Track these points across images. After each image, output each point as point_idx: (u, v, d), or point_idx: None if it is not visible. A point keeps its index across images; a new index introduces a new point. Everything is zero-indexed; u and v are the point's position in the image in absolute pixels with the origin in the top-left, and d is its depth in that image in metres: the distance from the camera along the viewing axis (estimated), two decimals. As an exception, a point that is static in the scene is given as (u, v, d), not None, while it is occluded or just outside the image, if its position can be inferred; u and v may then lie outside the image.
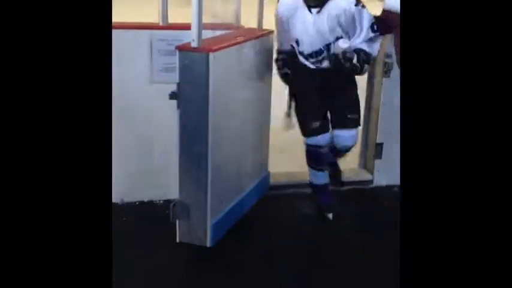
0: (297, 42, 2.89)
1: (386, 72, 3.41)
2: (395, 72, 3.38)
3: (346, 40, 2.80)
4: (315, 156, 3.06)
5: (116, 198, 3.04)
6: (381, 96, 3.48)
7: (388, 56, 3.36)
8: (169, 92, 2.56)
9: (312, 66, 2.93)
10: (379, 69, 3.46)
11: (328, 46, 2.84)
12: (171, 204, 2.68)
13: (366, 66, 2.89)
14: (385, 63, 3.38)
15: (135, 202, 3.15)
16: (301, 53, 2.91)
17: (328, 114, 3.02)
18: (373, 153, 3.60)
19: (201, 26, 2.48)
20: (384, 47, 3.34)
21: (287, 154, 3.78)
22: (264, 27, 3.17)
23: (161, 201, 3.16)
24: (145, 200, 3.17)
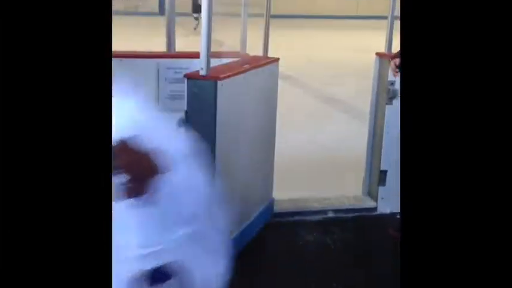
0: None
1: (390, 99, 3.44)
2: (398, 100, 3.41)
3: None
4: None
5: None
6: (384, 123, 3.50)
7: (391, 83, 3.39)
8: (176, 119, 2.57)
9: None
10: (382, 96, 3.49)
11: None
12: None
13: None
14: (388, 91, 3.42)
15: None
16: None
17: None
18: (377, 180, 3.60)
19: (210, 55, 2.51)
20: (388, 75, 3.39)
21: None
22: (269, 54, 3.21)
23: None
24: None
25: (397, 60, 2.98)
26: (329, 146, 5.10)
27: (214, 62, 2.77)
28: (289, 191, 3.69)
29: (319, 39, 14.70)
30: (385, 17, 3.42)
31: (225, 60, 3.02)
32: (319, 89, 8.03)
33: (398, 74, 3.04)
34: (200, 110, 2.55)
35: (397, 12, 3.39)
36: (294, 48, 12.34)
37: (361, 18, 19.75)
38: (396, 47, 3.32)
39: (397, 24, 3.35)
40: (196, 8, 18.07)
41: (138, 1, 17.61)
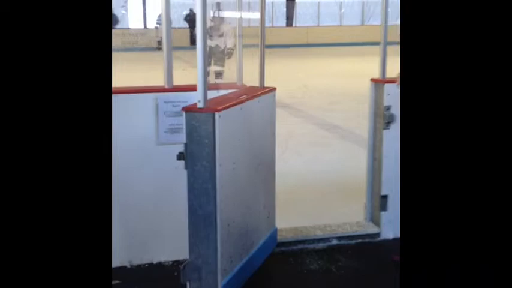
0: None
1: (387, 124, 3.46)
2: (395, 124, 3.44)
3: None
4: None
5: (124, 261, 3.02)
6: (382, 148, 3.51)
7: (387, 109, 3.42)
8: (175, 153, 2.59)
9: None
10: (379, 121, 3.51)
11: None
12: (181, 266, 2.66)
13: None
14: (384, 116, 3.44)
15: (145, 264, 3.12)
16: None
17: None
18: (379, 206, 3.60)
19: (206, 88, 2.54)
20: (384, 100, 3.42)
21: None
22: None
23: (170, 263, 3.13)
24: (155, 262, 3.15)
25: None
26: (330, 173, 5.11)
27: (212, 94, 2.80)
28: (292, 219, 3.68)
29: (317, 67, 14.83)
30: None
31: (222, 92, 3.05)
32: (318, 116, 8.07)
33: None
34: (199, 142, 2.57)
35: (391, 38, 3.45)
36: (292, 76, 12.46)
37: (355, 45, 19.98)
38: (391, 72, 3.36)
39: (391, 49, 3.41)
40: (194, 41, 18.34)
41: (137, 37, 17.85)
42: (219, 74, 7.88)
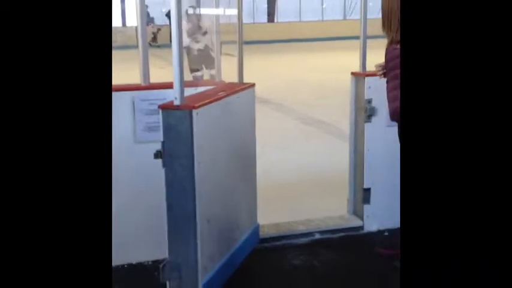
0: None
1: (368, 117, 3.46)
2: (377, 117, 3.43)
3: None
4: None
5: (104, 262, 2.98)
6: (364, 141, 3.51)
7: (368, 102, 3.42)
8: (153, 151, 2.55)
9: None
10: (360, 115, 3.51)
11: None
12: (161, 265, 2.63)
13: None
14: (365, 109, 3.43)
15: (124, 265, 3.08)
16: None
17: None
18: (362, 199, 3.59)
19: (183, 84, 2.51)
20: (365, 93, 3.41)
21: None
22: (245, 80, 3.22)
23: (150, 262, 3.09)
24: (134, 262, 3.11)
25: (381, 64, 2.99)
26: (312, 167, 5.10)
27: (190, 91, 2.77)
28: (274, 215, 3.67)
29: (298, 62, 14.83)
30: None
31: (200, 89, 3.01)
32: (301, 111, 8.06)
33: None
34: (177, 140, 2.53)
35: (371, 32, 3.44)
36: (274, 72, 12.44)
37: (337, 39, 20.03)
38: (369, 64, 3.35)
39: (371, 43, 3.41)
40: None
41: (116, 36, 17.72)
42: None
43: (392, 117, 2.74)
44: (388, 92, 2.79)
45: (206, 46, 7.16)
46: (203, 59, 7.11)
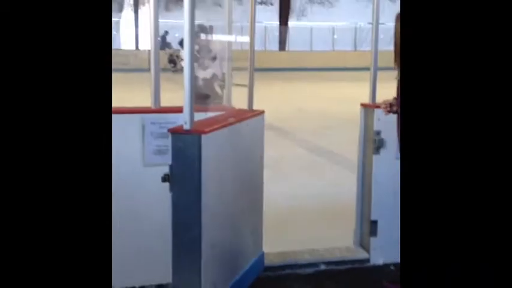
0: None
1: (376, 149, 3.44)
2: (385, 149, 3.42)
3: None
4: None
5: (106, 284, 2.95)
6: (372, 173, 3.49)
7: (377, 133, 3.41)
8: (161, 174, 2.55)
9: None
10: (369, 146, 3.50)
11: None
12: (164, 290, 2.60)
13: None
14: (374, 141, 3.42)
15: (126, 288, 3.06)
16: None
17: None
18: (368, 231, 3.56)
19: (193, 109, 2.52)
20: (374, 125, 3.40)
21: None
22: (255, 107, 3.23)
23: (153, 287, 3.06)
24: (137, 285, 3.08)
25: (388, 100, 2.99)
26: (319, 197, 5.07)
27: (200, 116, 2.78)
28: (280, 243, 3.63)
29: (309, 91, 14.91)
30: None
31: (210, 114, 3.02)
32: (310, 140, 8.06)
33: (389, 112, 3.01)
34: (185, 164, 2.53)
35: (381, 64, 3.45)
36: (283, 100, 12.50)
37: (347, 70, 20.15)
38: (379, 96, 3.35)
39: (381, 74, 3.42)
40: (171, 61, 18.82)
41: (129, 58, 17.90)
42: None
43: None
44: (398, 126, 2.78)
45: (214, 75, 6.29)
46: (206, 91, 6.18)
